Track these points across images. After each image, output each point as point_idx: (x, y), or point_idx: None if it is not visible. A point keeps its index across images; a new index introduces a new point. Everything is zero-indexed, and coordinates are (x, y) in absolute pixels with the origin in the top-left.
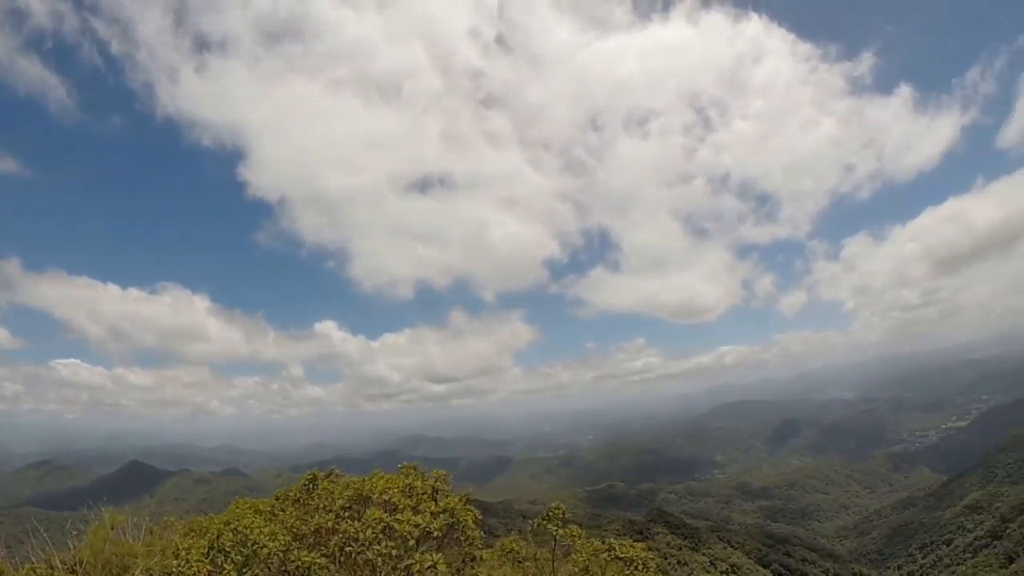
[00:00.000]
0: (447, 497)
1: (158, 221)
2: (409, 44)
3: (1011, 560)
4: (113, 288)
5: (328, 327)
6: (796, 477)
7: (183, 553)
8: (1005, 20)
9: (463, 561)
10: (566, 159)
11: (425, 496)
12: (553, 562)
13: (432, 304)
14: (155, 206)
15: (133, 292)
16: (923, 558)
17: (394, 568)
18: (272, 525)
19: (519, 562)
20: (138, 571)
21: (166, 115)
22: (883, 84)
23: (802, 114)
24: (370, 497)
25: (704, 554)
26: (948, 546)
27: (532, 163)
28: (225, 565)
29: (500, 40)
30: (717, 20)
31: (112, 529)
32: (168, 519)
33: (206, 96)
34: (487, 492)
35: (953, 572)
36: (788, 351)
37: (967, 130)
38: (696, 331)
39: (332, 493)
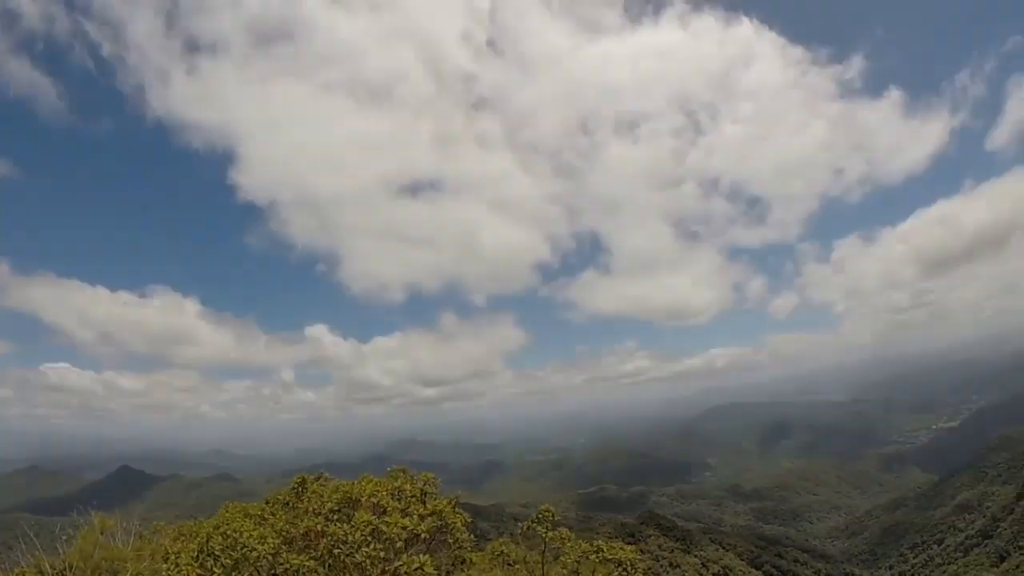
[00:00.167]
0: (436, 500)
1: (148, 224)
2: (400, 47)
3: (1002, 559)
4: (103, 291)
5: (319, 331)
6: (787, 479)
7: (173, 557)
8: (994, 24)
9: (453, 564)
10: (557, 162)
11: (414, 499)
12: (543, 565)
13: (423, 307)
14: (145, 209)
15: (123, 295)
16: (914, 558)
17: (382, 571)
18: (261, 528)
19: (509, 565)
20: (128, 575)
21: (156, 117)
22: (873, 87)
23: (792, 117)
24: (359, 500)
25: (696, 556)
26: (939, 546)
27: (523, 166)
28: (214, 569)
29: (491, 43)
30: (708, 23)
31: (102, 534)
32: (158, 523)
33: (197, 98)
34: (478, 496)
35: (944, 571)
36: (779, 353)
37: (956, 133)
38: (687, 333)
39: (321, 496)
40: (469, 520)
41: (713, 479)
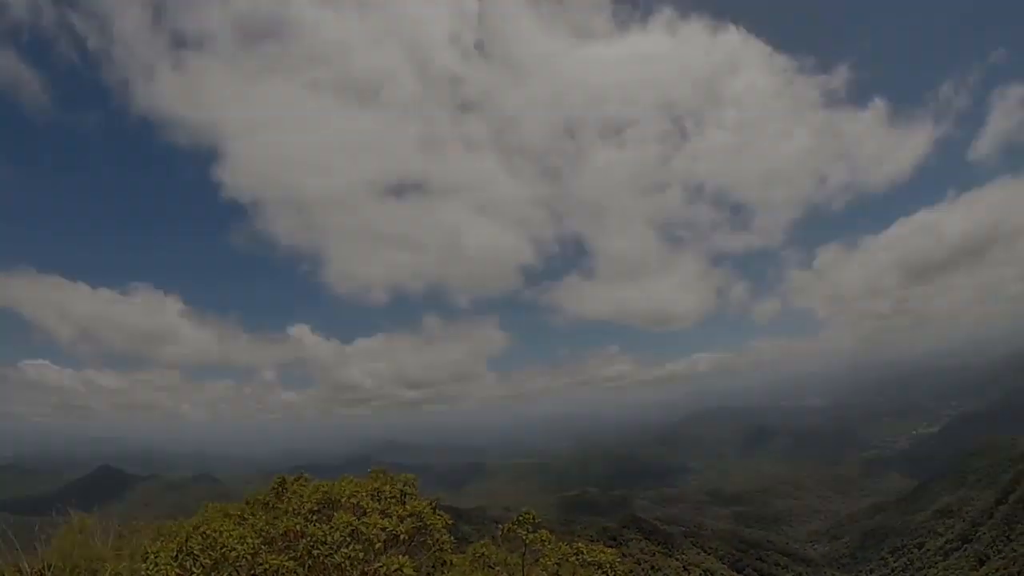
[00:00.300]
0: (416, 501)
1: (130, 220)
2: (388, 48)
3: (982, 563)
4: (84, 287)
5: (302, 331)
6: (769, 483)
7: (152, 557)
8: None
9: (433, 566)
10: (542, 166)
11: (393, 500)
12: (524, 567)
13: (406, 309)
14: (128, 204)
15: (104, 292)
16: (895, 562)
17: (362, 572)
18: (241, 529)
19: (490, 567)
20: (107, 575)
21: (141, 113)
22: (858, 97)
23: (777, 125)
24: (339, 501)
25: (678, 559)
26: (920, 549)
27: (508, 169)
28: (194, 569)
29: (479, 46)
30: (695, 31)
31: (81, 533)
32: (137, 523)
33: (182, 94)
34: (460, 498)
35: (924, 575)
36: (761, 358)
37: (939, 143)
38: (670, 338)
39: (301, 497)
40: (450, 522)
41: (695, 483)
